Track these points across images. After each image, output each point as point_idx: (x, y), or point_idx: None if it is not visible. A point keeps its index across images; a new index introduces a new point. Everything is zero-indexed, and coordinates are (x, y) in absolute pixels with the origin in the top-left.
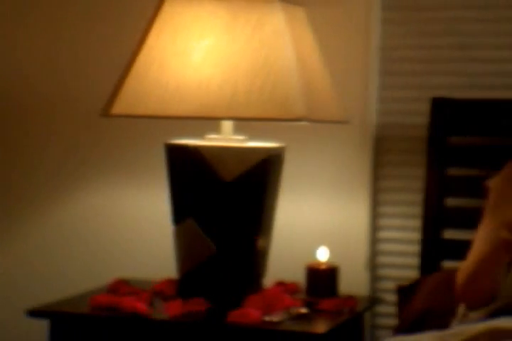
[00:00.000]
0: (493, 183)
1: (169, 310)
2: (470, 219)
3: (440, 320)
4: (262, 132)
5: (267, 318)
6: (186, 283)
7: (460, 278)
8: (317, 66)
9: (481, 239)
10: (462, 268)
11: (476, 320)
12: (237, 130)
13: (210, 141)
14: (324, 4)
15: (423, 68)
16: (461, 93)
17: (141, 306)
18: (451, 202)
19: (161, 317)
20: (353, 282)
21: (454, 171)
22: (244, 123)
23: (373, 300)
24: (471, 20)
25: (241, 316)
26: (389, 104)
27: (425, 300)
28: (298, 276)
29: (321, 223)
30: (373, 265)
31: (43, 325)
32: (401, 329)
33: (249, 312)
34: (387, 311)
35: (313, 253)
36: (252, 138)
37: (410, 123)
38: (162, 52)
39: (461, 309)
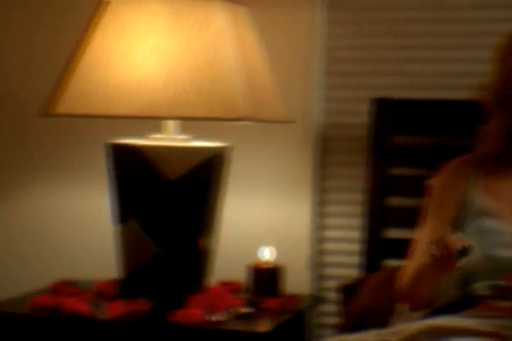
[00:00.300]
0: (433, 183)
1: (111, 310)
2: (412, 219)
3: (382, 318)
4: (207, 132)
5: (210, 318)
6: (128, 284)
7: (403, 281)
8: (261, 66)
9: (421, 240)
10: (405, 271)
11: (416, 318)
12: (182, 129)
13: (154, 140)
14: (268, 4)
15: (366, 68)
16: (402, 93)
17: (83, 307)
18: (393, 201)
19: (103, 317)
20: (296, 281)
21: (395, 171)
22: (188, 122)
23: (317, 299)
24: (412, 21)
25: (183, 316)
26: (333, 104)
27: (367, 298)
28: (242, 276)
29: (265, 222)
30: (317, 264)
31: None
32: (343, 328)
33: (192, 312)
34: (331, 310)
35: (257, 252)
36: (196, 137)
37: (354, 123)
38: (106, 52)
39: (401, 307)
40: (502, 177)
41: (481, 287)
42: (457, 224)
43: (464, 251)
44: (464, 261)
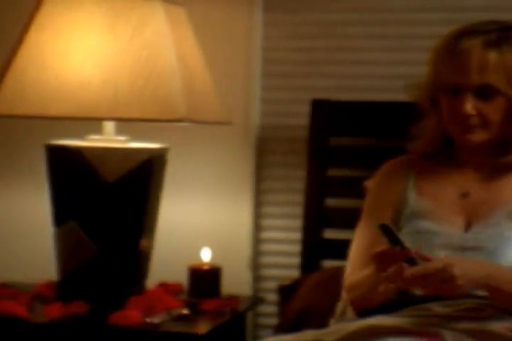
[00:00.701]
0: (370, 184)
1: (48, 313)
2: (350, 220)
3: (319, 319)
4: (145, 133)
5: (148, 320)
6: (66, 286)
7: (354, 292)
8: (199, 67)
9: (357, 242)
10: (356, 281)
11: (353, 318)
12: (121, 131)
13: (92, 141)
14: (206, 5)
15: (304, 70)
16: (340, 95)
17: (20, 309)
18: (331, 202)
19: (40, 320)
20: (236, 282)
21: (334, 172)
22: (126, 123)
23: (256, 300)
24: (348, 24)
25: (122, 318)
26: (271, 106)
27: (305, 299)
28: (182, 277)
29: (205, 224)
30: (256, 265)
31: None
32: (281, 329)
33: (130, 314)
34: (270, 311)
35: (196, 253)
36: (134, 138)
37: (292, 125)
38: (42, 52)
39: (339, 307)
40: (436, 178)
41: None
42: (395, 224)
43: (411, 260)
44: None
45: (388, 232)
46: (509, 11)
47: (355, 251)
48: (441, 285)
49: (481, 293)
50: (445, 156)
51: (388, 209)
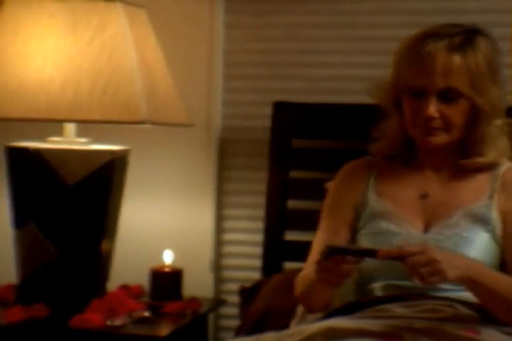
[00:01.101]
0: (331, 185)
1: (9, 316)
2: (312, 221)
3: (281, 321)
4: (106, 134)
5: (109, 322)
6: (27, 289)
7: (298, 288)
8: (160, 69)
9: (316, 242)
10: (300, 276)
11: (314, 320)
12: (81, 132)
13: (52, 143)
14: (167, 7)
15: (265, 72)
16: (302, 97)
17: None
18: (293, 204)
19: (0, 323)
20: (198, 284)
21: (296, 174)
22: (87, 125)
23: (217, 302)
24: (310, 26)
25: (83, 321)
26: (233, 108)
27: (266, 301)
28: (143, 279)
29: (167, 226)
30: (218, 267)
31: None
32: (242, 331)
33: (91, 317)
34: (232, 313)
35: (158, 256)
36: (95, 140)
37: (254, 127)
38: (2, 54)
39: (300, 309)
40: (396, 179)
41: (377, 287)
42: (355, 225)
43: (332, 251)
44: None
45: (338, 251)
46: (470, 13)
47: (312, 250)
48: (427, 270)
49: (440, 293)
50: (406, 158)
51: (348, 209)
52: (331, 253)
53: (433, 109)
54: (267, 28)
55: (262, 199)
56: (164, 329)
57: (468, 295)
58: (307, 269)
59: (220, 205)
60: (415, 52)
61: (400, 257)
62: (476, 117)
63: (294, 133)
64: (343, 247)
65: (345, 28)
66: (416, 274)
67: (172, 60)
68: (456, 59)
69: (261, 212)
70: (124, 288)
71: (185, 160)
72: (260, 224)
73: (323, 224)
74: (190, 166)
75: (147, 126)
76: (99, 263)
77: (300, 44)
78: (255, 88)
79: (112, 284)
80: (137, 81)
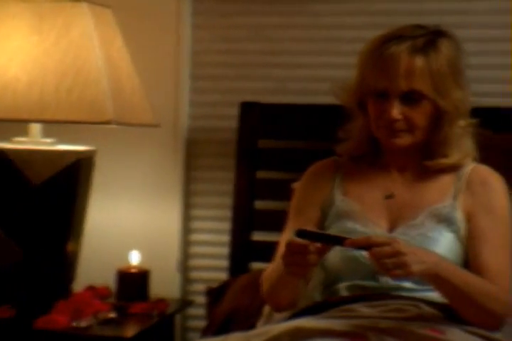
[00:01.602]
0: (298, 185)
1: None
2: (278, 222)
3: (247, 321)
4: (72, 135)
5: (75, 324)
6: None
7: (265, 284)
8: (127, 69)
9: (282, 242)
10: (266, 274)
11: (280, 320)
12: (46, 133)
13: (18, 144)
14: (134, 7)
15: (232, 73)
16: (269, 98)
17: None
18: (260, 204)
19: None
20: (165, 285)
21: (263, 174)
22: (53, 125)
23: (184, 303)
24: (276, 27)
25: (49, 322)
26: (200, 108)
27: (233, 301)
28: (110, 280)
29: (134, 226)
30: (185, 267)
31: None
32: (209, 331)
33: (57, 318)
34: (199, 313)
35: (125, 256)
36: (61, 141)
37: (221, 127)
38: None
39: (266, 309)
40: (362, 179)
41: (342, 287)
42: (322, 225)
43: (302, 234)
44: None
45: (309, 235)
46: (433, 14)
47: (278, 250)
48: (392, 261)
49: (405, 293)
50: (372, 158)
51: (315, 209)
52: (302, 235)
53: (396, 111)
54: (233, 28)
55: (229, 200)
56: (130, 330)
57: (433, 295)
58: (272, 266)
59: (187, 206)
60: (378, 54)
61: (366, 247)
62: (439, 119)
63: (261, 133)
64: (314, 231)
65: (312, 28)
66: (380, 265)
67: (139, 60)
68: (419, 61)
69: (228, 213)
70: (90, 289)
71: (152, 160)
72: (227, 225)
73: (289, 224)
74: (157, 167)
75: (113, 126)
76: (65, 264)
77: (267, 45)
78: (222, 88)
79: (79, 285)
80: (103, 81)
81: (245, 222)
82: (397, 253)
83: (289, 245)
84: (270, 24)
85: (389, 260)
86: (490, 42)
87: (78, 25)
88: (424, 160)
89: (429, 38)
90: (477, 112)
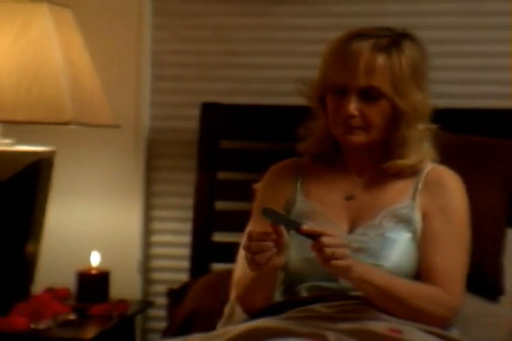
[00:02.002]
0: (259, 186)
1: None
2: (239, 223)
3: (208, 322)
4: (32, 135)
5: (34, 326)
6: None
7: (237, 289)
8: (87, 69)
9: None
10: (238, 279)
11: (240, 321)
12: (5, 133)
13: None
14: (94, 7)
15: (194, 73)
16: (230, 98)
17: None
18: (221, 205)
19: None
20: (125, 286)
21: (224, 175)
22: (12, 126)
23: (145, 304)
24: (238, 28)
25: (7, 324)
26: (161, 109)
27: (193, 302)
28: (70, 282)
29: (94, 227)
30: (146, 269)
31: None
32: (170, 332)
33: (16, 321)
34: (160, 314)
35: (86, 258)
36: (20, 141)
37: (182, 128)
38: None
39: (227, 310)
40: (323, 181)
41: (302, 288)
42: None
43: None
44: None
45: (272, 215)
46: (396, 16)
47: (240, 253)
48: (334, 253)
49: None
50: (332, 158)
51: (277, 209)
52: (266, 213)
53: (353, 106)
54: (194, 29)
55: (190, 201)
56: (90, 332)
57: None
58: (242, 272)
59: (148, 207)
60: (341, 51)
61: (316, 235)
62: (396, 119)
63: (222, 134)
64: (277, 212)
65: (273, 29)
66: (320, 254)
67: (99, 60)
68: (380, 59)
69: (189, 214)
70: (50, 290)
71: (112, 161)
72: (188, 226)
73: (251, 225)
74: (118, 167)
75: (73, 127)
76: (24, 266)
77: (227, 45)
78: (183, 89)
79: (38, 287)
80: (63, 81)
81: (206, 222)
82: (342, 246)
83: (249, 234)
84: (231, 25)
85: (332, 249)
86: (449, 44)
87: (38, 24)
88: (382, 162)
89: (393, 39)
90: (438, 114)
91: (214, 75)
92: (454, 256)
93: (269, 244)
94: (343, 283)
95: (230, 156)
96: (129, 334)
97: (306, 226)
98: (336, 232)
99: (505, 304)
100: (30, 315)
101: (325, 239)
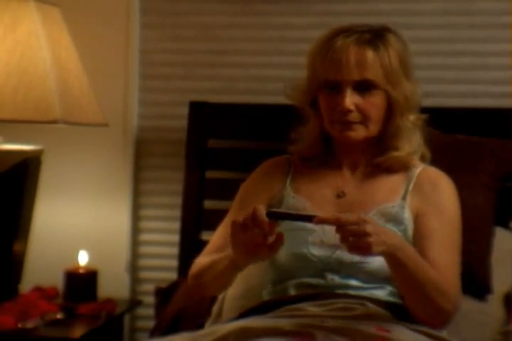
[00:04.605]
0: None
1: None
2: None
3: (196, 321)
4: (19, 134)
5: (21, 325)
6: None
7: (205, 273)
8: (75, 68)
9: (220, 230)
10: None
11: (228, 320)
12: None
13: None
14: (82, 5)
15: (182, 72)
16: (218, 97)
17: None
18: (209, 204)
19: None
20: (113, 285)
21: (212, 174)
22: (0, 124)
23: (133, 303)
24: (225, 27)
25: None
26: (149, 108)
27: (181, 301)
28: (58, 281)
29: (82, 226)
30: (134, 267)
31: None
32: (158, 331)
33: (3, 320)
34: (148, 313)
35: (74, 257)
36: (8, 140)
37: (171, 127)
38: None
39: (215, 309)
40: (314, 178)
41: (291, 285)
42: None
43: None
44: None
45: (279, 215)
46: (378, 14)
47: (212, 238)
48: (354, 240)
49: (352, 291)
50: (324, 158)
51: (261, 203)
52: (271, 216)
53: (349, 101)
54: (182, 28)
55: (178, 200)
56: (78, 331)
57: (378, 294)
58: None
59: (136, 206)
60: (328, 48)
61: (335, 224)
62: (391, 110)
63: (210, 133)
64: (283, 211)
65: (260, 28)
66: (345, 242)
67: (87, 59)
68: (369, 52)
69: (177, 213)
70: (38, 289)
71: (101, 160)
72: (177, 225)
73: (230, 216)
74: (106, 166)
75: (61, 125)
76: (12, 264)
77: (216, 44)
78: (171, 88)
79: (25, 285)
80: (50, 80)
81: (194, 221)
82: (362, 234)
83: (234, 224)
84: (219, 24)
85: (352, 238)
86: (437, 43)
87: (25, 23)
88: (374, 157)
89: (375, 33)
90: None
91: (202, 74)
92: (451, 253)
93: (254, 235)
94: (330, 279)
95: (219, 155)
96: (117, 334)
97: (319, 218)
98: (352, 214)
99: (493, 303)
100: (18, 314)
101: (341, 230)
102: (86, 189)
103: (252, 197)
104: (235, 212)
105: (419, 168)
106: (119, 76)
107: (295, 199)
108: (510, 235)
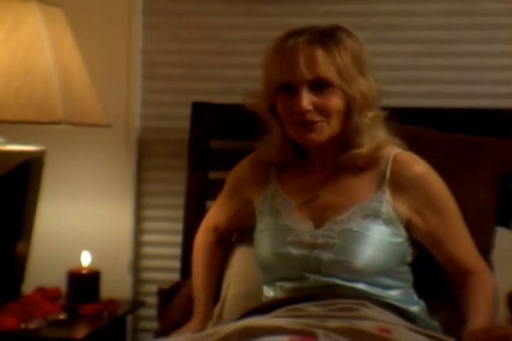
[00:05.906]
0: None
1: None
2: None
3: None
4: (22, 135)
5: (24, 325)
6: None
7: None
8: (78, 69)
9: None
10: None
11: (230, 320)
12: None
13: None
14: (85, 6)
15: (184, 73)
16: (221, 98)
17: None
18: (211, 205)
19: None
20: (116, 286)
21: (215, 175)
22: (2, 125)
23: (136, 304)
24: (227, 27)
25: None
26: (152, 108)
27: (184, 303)
28: (61, 281)
29: (85, 227)
30: (137, 268)
31: None
32: (160, 332)
33: (6, 320)
34: (150, 314)
35: (76, 257)
36: (10, 141)
37: (173, 127)
38: None
39: (217, 310)
40: (294, 179)
41: (278, 291)
42: (254, 219)
43: None
44: None
45: None
46: (379, 15)
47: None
48: None
49: (348, 291)
50: (298, 161)
51: (240, 203)
52: None
53: (306, 101)
54: (185, 28)
55: (181, 200)
56: (81, 332)
57: (378, 295)
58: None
59: (139, 206)
60: (278, 50)
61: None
62: (348, 107)
63: (213, 134)
64: None
65: (263, 29)
66: None
67: (90, 60)
68: (319, 51)
69: (180, 213)
70: (41, 290)
71: (103, 161)
72: (179, 225)
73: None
74: (109, 167)
75: (64, 126)
76: (15, 265)
77: (218, 45)
78: (174, 88)
79: (28, 286)
80: (53, 81)
81: (197, 222)
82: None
83: None
84: (222, 24)
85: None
86: (438, 44)
87: (27, 23)
88: (340, 156)
89: (326, 32)
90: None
91: (205, 75)
92: (463, 238)
93: None
94: (314, 281)
95: (221, 156)
96: (120, 334)
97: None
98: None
99: None
100: (21, 314)
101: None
102: (88, 190)
103: (235, 196)
104: (217, 206)
105: (390, 158)
106: (121, 77)
107: (275, 200)
108: None
